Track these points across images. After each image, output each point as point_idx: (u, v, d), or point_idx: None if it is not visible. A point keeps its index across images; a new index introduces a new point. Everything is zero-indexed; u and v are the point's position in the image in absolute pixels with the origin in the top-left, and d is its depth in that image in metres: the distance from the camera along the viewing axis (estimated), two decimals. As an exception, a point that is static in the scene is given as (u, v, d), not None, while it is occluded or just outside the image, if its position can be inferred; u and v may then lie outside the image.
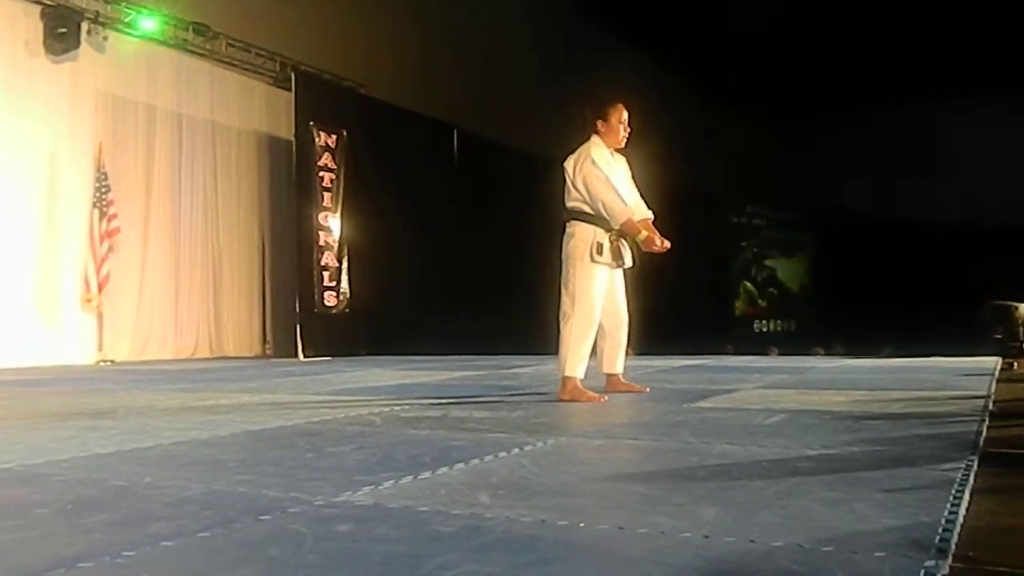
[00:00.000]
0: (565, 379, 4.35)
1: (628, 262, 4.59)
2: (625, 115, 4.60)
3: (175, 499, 2.05)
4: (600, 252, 4.40)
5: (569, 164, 4.51)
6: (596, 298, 4.43)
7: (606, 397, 4.39)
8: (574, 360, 4.34)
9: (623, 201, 4.42)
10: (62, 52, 8.73)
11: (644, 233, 4.43)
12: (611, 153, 4.61)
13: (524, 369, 6.88)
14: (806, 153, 20.03)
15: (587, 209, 4.44)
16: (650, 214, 4.64)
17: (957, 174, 18.38)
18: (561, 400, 4.30)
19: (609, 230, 4.45)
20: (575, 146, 4.62)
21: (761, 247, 21.59)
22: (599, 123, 4.57)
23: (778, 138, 20.44)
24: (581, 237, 4.43)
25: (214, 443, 2.98)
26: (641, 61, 16.90)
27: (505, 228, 12.71)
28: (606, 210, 4.39)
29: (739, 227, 21.22)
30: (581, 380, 4.37)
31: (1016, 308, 7.06)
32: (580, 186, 4.43)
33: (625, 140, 4.63)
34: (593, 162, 4.43)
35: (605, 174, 4.42)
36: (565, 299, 4.43)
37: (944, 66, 15.02)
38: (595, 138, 4.57)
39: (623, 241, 4.51)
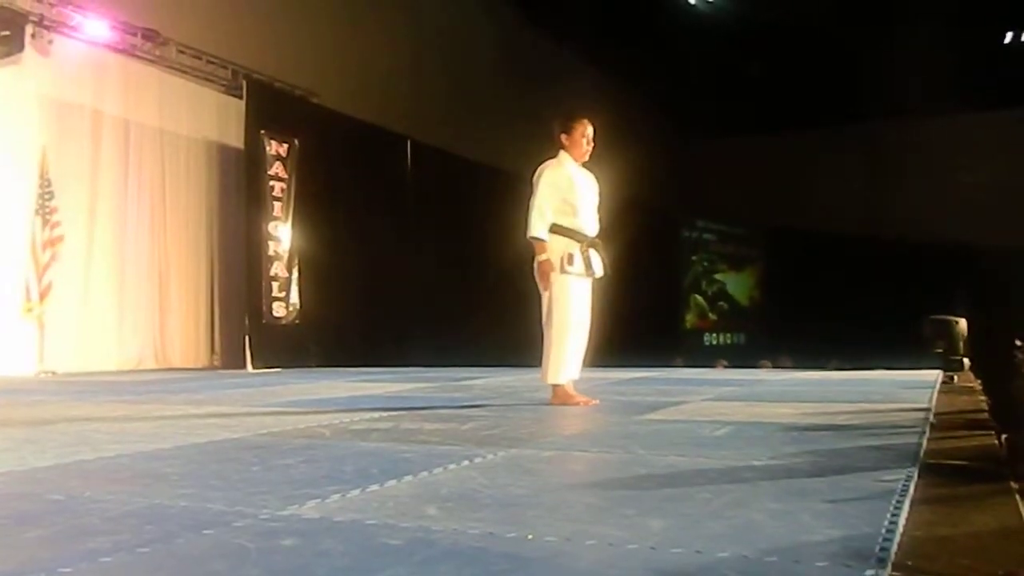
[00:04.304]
0: (553, 386, 4.51)
1: (599, 272, 4.68)
2: (590, 130, 4.72)
3: (115, 514, 2.00)
4: (571, 263, 4.54)
5: (534, 179, 4.66)
6: (575, 304, 4.57)
7: (597, 400, 4.59)
8: (557, 366, 4.50)
9: (543, 222, 4.53)
10: (5, 55, 8.52)
11: (544, 256, 4.52)
12: (578, 167, 4.73)
13: (476, 381, 6.87)
14: (756, 169, 20.38)
15: (556, 222, 4.56)
16: (594, 233, 4.73)
17: (902, 192, 18.87)
18: (552, 404, 4.48)
19: (580, 241, 4.58)
20: (536, 159, 4.77)
21: (711, 261, 21.89)
22: (563, 137, 4.70)
23: (728, 154, 20.78)
24: (553, 250, 4.55)
25: (157, 456, 2.93)
26: (596, 77, 17.06)
27: (458, 240, 12.71)
28: (527, 220, 4.54)
29: (690, 241, 21.50)
30: (567, 383, 4.54)
31: (956, 323, 7.24)
32: None
33: (588, 154, 4.75)
34: (543, 177, 4.58)
35: (549, 192, 4.55)
36: (545, 307, 4.56)
37: (892, 84, 15.40)
38: (562, 154, 4.71)
39: (593, 252, 4.62)
